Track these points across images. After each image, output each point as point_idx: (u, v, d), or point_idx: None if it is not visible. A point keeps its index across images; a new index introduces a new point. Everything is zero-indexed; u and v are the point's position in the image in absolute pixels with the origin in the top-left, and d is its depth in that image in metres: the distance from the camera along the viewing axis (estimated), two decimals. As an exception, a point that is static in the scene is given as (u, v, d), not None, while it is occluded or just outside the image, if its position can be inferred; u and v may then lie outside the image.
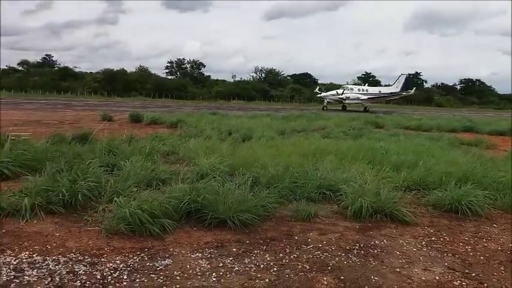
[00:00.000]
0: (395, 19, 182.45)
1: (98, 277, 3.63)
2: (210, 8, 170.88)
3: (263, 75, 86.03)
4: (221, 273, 3.80)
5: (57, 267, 3.77)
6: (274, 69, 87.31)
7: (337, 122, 21.50)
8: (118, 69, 73.62)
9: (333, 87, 60.92)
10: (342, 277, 3.82)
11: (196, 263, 4.01)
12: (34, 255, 3.99)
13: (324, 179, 6.70)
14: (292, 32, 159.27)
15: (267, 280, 3.70)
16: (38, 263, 3.84)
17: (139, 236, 4.59)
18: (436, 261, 4.33)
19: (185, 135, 12.80)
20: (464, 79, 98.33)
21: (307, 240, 4.71)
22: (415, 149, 10.84)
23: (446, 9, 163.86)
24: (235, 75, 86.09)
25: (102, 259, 4.00)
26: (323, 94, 51.57)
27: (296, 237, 4.78)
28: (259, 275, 3.79)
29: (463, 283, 3.83)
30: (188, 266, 3.93)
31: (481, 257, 4.48)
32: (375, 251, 4.50)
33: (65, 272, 3.68)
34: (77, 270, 3.74)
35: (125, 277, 3.65)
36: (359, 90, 51.91)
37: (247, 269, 3.93)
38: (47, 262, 3.86)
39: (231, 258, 4.13)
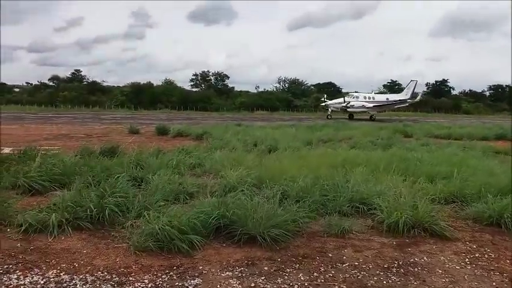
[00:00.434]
0: (421, 25, 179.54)
1: (126, 298, 3.51)
2: (234, 21, 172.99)
3: (286, 85, 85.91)
4: (253, 294, 3.62)
5: (84, 287, 3.67)
6: (298, 79, 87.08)
7: (365, 132, 21.04)
8: (144, 82, 74.98)
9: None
10: (382, 299, 3.58)
11: (226, 282, 3.84)
12: (61, 274, 3.91)
13: (355, 191, 6.45)
14: (316, 41, 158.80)
15: (301, 302, 3.49)
16: (65, 282, 3.75)
17: (167, 253, 4.46)
18: (482, 280, 4.02)
19: (211, 147, 12.74)
20: (494, 85, 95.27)
21: (342, 257, 4.47)
22: (448, 158, 10.42)
23: (473, 13, 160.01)
24: (258, 86, 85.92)
25: (130, 278, 3.89)
26: (327, 102, 49.60)
27: (330, 255, 4.55)
28: (293, 296, 3.59)
29: (516, 306, 3.52)
30: (218, 286, 3.76)
31: (533, 277, 4.14)
32: (416, 269, 4.23)
33: (92, 292, 3.57)
34: (105, 290, 3.63)
35: (154, 298, 3.51)
36: (365, 98, 49.67)
37: (280, 289, 3.73)
38: (74, 281, 3.77)
39: (263, 278, 3.94)
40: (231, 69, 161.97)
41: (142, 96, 68.00)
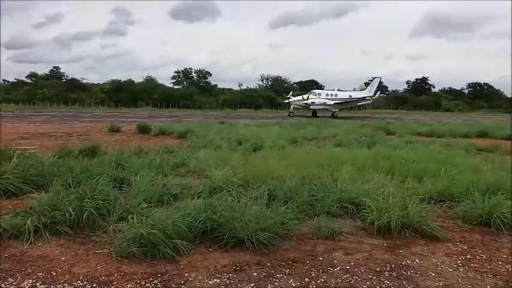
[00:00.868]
0: (402, 24, 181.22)
1: (108, 309, 3.29)
2: (217, 19, 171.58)
3: (269, 83, 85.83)
4: (243, 302, 3.45)
5: (62, 298, 3.45)
6: (281, 77, 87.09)
7: (347, 130, 21.08)
8: (125, 79, 73.80)
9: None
10: (377, 305, 3.45)
11: (214, 290, 3.66)
12: (38, 284, 3.67)
13: (344, 191, 6.35)
14: (299, 39, 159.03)
15: (293, 310, 3.34)
16: (42, 293, 3.52)
17: (151, 259, 4.25)
18: (476, 283, 3.94)
19: (194, 146, 12.51)
20: (472, 83, 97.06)
21: (333, 261, 4.34)
22: (433, 156, 10.44)
23: (454, 13, 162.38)
24: (241, 84, 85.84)
25: (112, 287, 3.67)
26: (290, 100, 48.47)
27: (321, 258, 4.41)
28: (284, 304, 3.43)
29: (512, 310, 3.44)
30: (206, 295, 3.58)
31: (526, 278, 4.08)
32: (408, 273, 4.12)
33: (71, 304, 3.35)
34: (85, 301, 3.41)
35: (137, 309, 3.31)
36: (327, 95, 49.09)
37: (270, 296, 3.57)
38: (51, 292, 3.53)
39: (252, 285, 3.77)
40: (214, 66, 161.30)
41: (123, 94, 66.91)
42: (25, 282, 3.70)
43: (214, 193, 6.25)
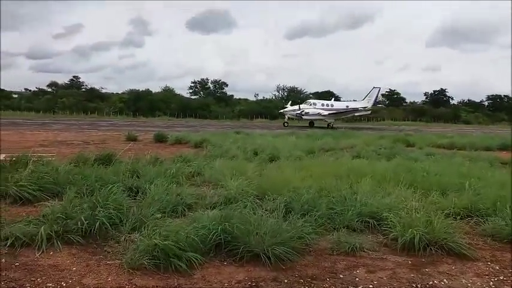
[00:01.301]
0: (418, 35, 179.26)
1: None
2: (233, 30, 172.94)
3: (285, 93, 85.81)
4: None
5: (70, 312, 3.30)
6: (296, 87, 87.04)
7: (366, 141, 20.71)
8: (143, 89, 74.71)
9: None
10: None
11: (228, 307, 3.47)
12: (46, 296, 3.54)
13: (364, 204, 6.09)
14: (314, 50, 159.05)
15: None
16: (50, 306, 3.38)
17: (163, 272, 4.09)
18: (510, 307, 3.65)
19: (210, 155, 12.39)
20: (492, 95, 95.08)
21: (354, 279, 4.10)
22: (456, 169, 10.08)
23: (470, 24, 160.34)
24: (257, 94, 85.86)
25: (122, 301, 3.51)
26: (284, 109, 47.17)
27: (341, 276, 4.17)
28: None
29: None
30: (220, 312, 3.39)
31: None
32: (435, 294, 3.86)
33: (79, 319, 3.20)
34: (93, 316, 3.25)
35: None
36: (323, 105, 47.45)
37: (288, 316, 3.36)
38: (59, 305, 3.39)
39: (269, 303, 3.56)
40: (230, 77, 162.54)
41: (140, 104, 67.66)
42: (33, 294, 3.57)
43: (230, 204, 6.09)
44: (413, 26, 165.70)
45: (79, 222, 4.97)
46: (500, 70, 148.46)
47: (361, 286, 3.95)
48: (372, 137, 24.34)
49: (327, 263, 4.50)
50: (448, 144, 21.46)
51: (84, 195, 5.91)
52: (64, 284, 3.77)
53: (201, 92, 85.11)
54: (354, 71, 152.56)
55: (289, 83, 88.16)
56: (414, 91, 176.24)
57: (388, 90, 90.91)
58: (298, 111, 44.90)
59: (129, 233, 4.96)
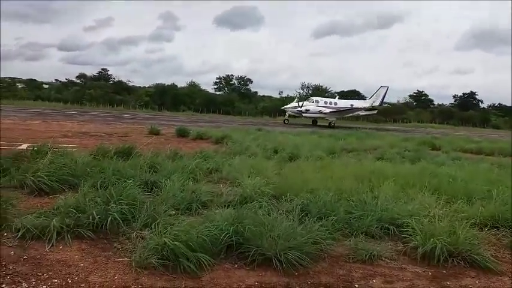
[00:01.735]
0: (448, 37, 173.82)
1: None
2: (260, 28, 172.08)
3: (310, 91, 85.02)
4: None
5: (72, 310, 3.21)
6: (321, 86, 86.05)
7: (390, 142, 20.21)
8: (169, 84, 75.43)
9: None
10: None
11: (235, 314, 3.32)
12: (51, 292, 3.46)
13: (385, 210, 5.84)
14: (342, 49, 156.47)
15: None
16: (53, 303, 3.30)
17: (171, 273, 3.97)
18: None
19: (230, 152, 12.27)
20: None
21: (370, 290, 3.89)
22: (484, 176, 9.62)
23: (502, 27, 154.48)
24: (282, 92, 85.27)
25: (126, 301, 3.41)
26: (285, 106, 45.55)
27: (357, 285, 3.97)
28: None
29: None
30: (226, 319, 3.24)
31: None
32: (457, 310, 3.60)
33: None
34: (95, 315, 3.16)
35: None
36: (325, 103, 45.35)
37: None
38: (62, 303, 3.31)
39: (278, 311, 3.39)
40: (255, 73, 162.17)
41: (166, 98, 68.33)
42: (38, 289, 3.51)
43: (245, 203, 5.95)
44: (443, 28, 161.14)
45: (91, 217, 4.92)
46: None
47: (377, 298, 3.74)
48: (396, 138, 23.77)
49: (342, 271, 4.29)
50: (476, 149, 20.73)
51: (100, 187, 5.87)
52: (70, 281, 3.70)
53: (226, 88, 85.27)
54: (381, 71, 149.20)
55: (316, 82, 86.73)
56: (442, 93, 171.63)
57: (416, 92, 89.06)
58: (299, 108, 43.58)
59: (140, 230, 4.88)
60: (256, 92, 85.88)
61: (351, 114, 48.39)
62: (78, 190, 6.07)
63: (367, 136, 24.61)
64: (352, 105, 47.69)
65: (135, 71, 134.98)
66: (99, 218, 4.91)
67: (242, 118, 52.54)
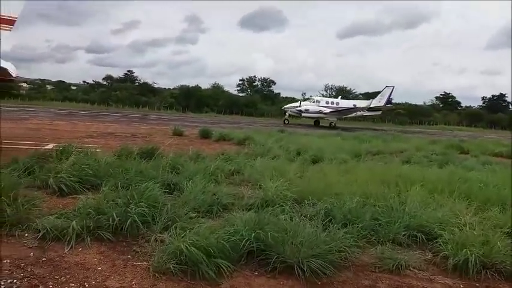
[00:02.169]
0: (477, 37, 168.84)
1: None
2: (284, 29, 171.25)
3: (334, 93, 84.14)
4: None
5: (88, 316, 3.14)
6: (346, 87, 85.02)
7: (417, 145, 19.67)
8: (193, 85, 76.04)
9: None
10: None
11: (255, 325, 3.17)
12: (67, 297, 3.41)
13: (413, 216, 5.58)
14: (367, 50, 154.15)
15: None
16: (69, 308, 3.24)
17: (190, 279, 3.86)
18: None
19: (252, 154, 12.15)
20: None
21: (397, 303, 3.67)
22: (517, 181, 9.17)
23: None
24: (305, 93, 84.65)
25: (143, 308, 3.31)
26: (285, 106, 44.42)
27: (383, 298, 3.76)
28: None
29: None
30: (245, 330, 3.10)
31: None
32: (493, 328, 3.36)
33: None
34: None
35: None
36: (327, 102, 44.24)
37: None
38: (78, 308, 3.24)
39: (299, 323, 3.23)
40: (278, 75, 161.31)
41: (190, 99, 68.90)
42: (55, 293, 3.46)
43: (266, 206, 5.80)
44: (472, 27, 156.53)
45: (111, 218, 4.87)
46: None
47: (406, 312, 3.53)
48: (423, 141, 23.17)
49: (368, 281, 4.09)
50: (507, 153, 19.93)
51: (122, 188, 5.83)
52: (87, 285, 3.64)
53: (249, 90, 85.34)
54: (408, 71, 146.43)
55: (339, 83, 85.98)
56: (470, 95, 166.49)
57: (442, 93, 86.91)
58: (298, 108, 42.68)
59: (160, 232, 4.79)
60: (279, 94, 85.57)
61: (353, 115, 47.12)
62: (100, 191, 6.07)
63: (392, 138, 24.09)
64: (354, 105, 46.45)
65: (160, 73, 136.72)
66: (119, 219, 4.86)
67: (265, 119, 52.38)
